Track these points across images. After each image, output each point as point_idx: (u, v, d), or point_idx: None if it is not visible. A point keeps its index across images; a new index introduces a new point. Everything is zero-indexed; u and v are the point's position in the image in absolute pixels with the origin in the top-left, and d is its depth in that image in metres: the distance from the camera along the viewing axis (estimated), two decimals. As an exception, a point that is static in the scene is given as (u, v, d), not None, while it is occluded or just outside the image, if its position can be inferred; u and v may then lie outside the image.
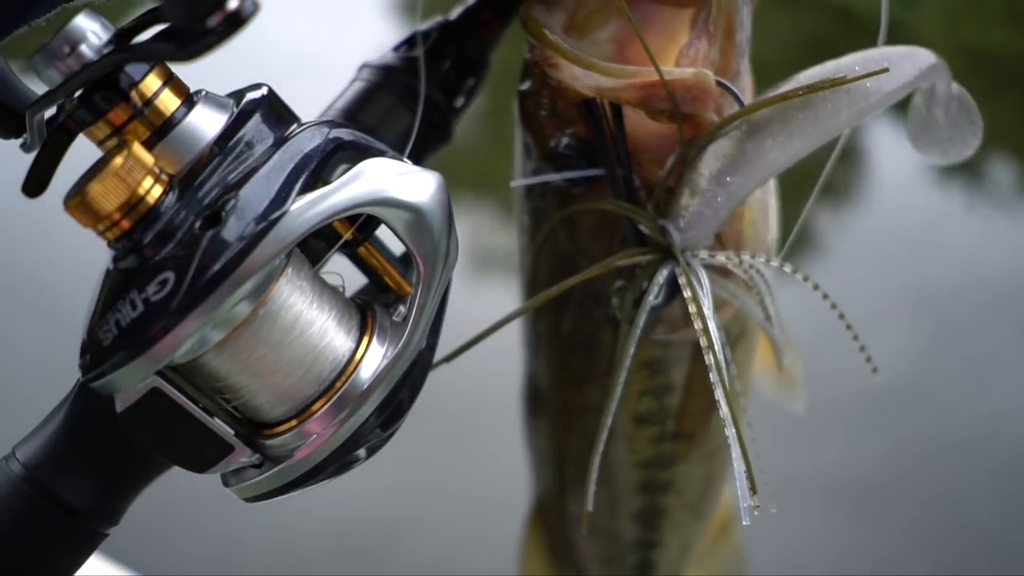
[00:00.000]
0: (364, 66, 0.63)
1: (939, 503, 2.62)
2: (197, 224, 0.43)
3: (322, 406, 0.46)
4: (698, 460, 0.75)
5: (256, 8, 0.39)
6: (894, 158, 3.96)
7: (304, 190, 0.45)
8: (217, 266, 0.42)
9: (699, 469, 0.76)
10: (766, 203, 0.67)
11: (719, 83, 0.58)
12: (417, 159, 0.62)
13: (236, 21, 0.38)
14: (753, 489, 0.54)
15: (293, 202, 0.44)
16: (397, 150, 0.59)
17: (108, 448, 0.46)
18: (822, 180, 0.67)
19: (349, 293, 0.53)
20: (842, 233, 3.36)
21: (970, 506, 2.62)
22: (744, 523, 0.53)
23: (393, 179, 0.47)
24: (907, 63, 0.59)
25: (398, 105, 0.61)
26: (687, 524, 0.80)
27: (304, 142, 0.46)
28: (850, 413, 2.81)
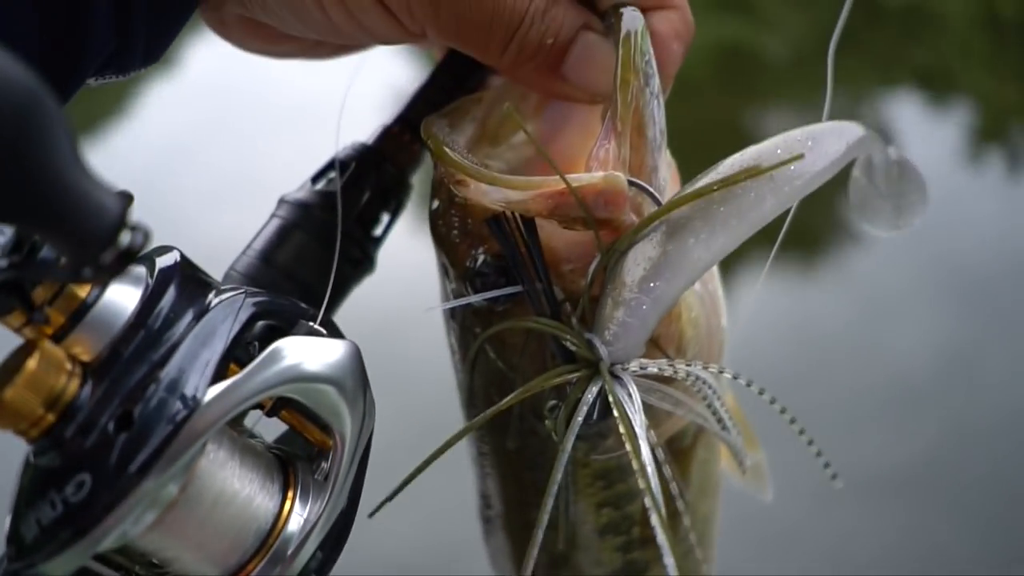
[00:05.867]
0: (282, 201, 0.61)
1: (985, 483, 2.55)
2: (111, 426, 0.42)
3: (254, 567, 0.46)
4: (671, 564, 0.70)
5: (147, 239, 0.38)
6: (924, 136, 4.02)
7: (217, 376, 0.44)
8: (133, 467, 0.41)
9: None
10: (709, 294, 0.63)
11: (632, 183, 0.55)
12: (338, 295, 0.60)
13: (130, 256, 0.37)
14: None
15: (205, 393, 0.43)
16: (316, 288, 0.58)
17: None
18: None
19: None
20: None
21: (1018, 485, 2.54)
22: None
23: (303, 358, 0.46)
24: (832, 140, 0.56)
25: (314, 244, 0.59)
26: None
27: (218, 320, 0.45)
28: (888, 401, 2.75)
